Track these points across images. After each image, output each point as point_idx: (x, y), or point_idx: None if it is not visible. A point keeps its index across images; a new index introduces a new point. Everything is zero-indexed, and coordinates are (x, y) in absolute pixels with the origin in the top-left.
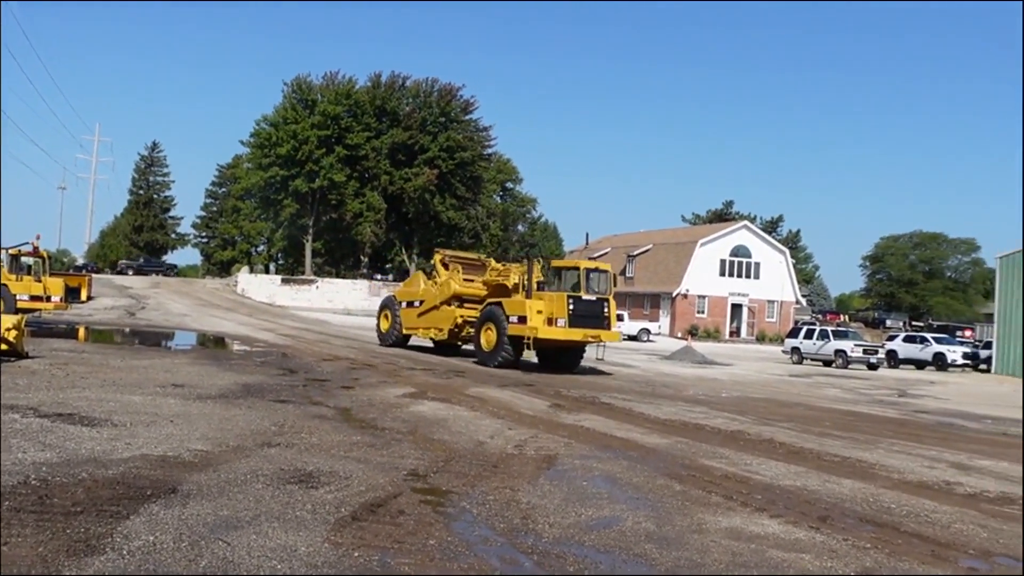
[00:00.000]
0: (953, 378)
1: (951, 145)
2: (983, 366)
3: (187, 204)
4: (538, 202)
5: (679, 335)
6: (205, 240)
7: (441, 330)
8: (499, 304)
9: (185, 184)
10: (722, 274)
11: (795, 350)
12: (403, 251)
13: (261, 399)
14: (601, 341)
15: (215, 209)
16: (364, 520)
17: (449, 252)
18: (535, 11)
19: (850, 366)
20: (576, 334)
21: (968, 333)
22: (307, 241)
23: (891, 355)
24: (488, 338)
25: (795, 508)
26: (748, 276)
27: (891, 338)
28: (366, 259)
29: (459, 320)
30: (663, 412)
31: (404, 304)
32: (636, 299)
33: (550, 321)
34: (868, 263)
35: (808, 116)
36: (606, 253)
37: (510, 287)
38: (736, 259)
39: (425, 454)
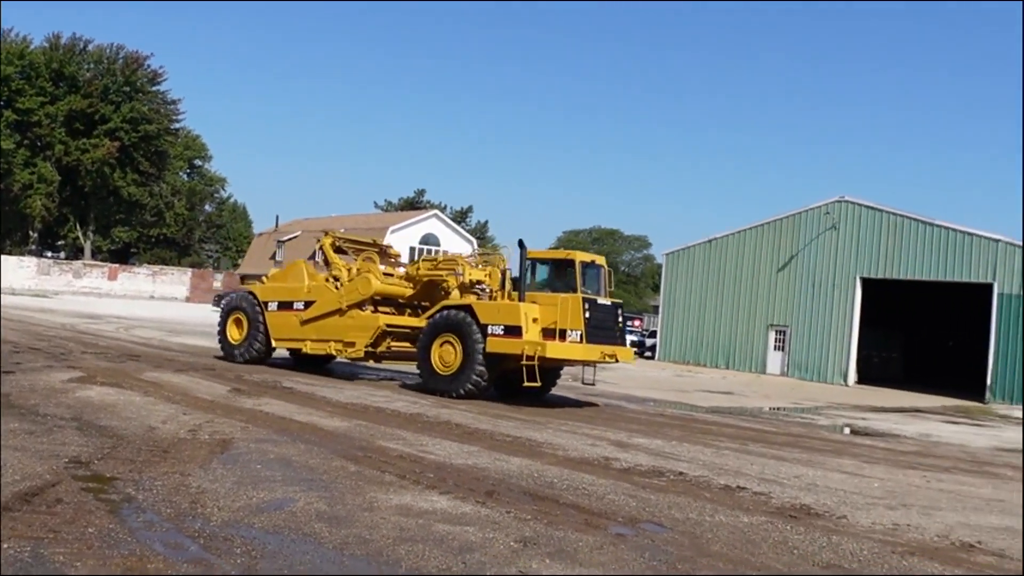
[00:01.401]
0: (620, 364)
1: (627, 147)
2: (648, 353)
3: None
4: (228, 182)
5: None
6: None
7: (352, 344)
8: (465, 309)
9: None
10: (412, 261)
11: None
12: (78, 228)
13: None
14: (617, 361)
15: None
16: (17, 510)
17: (339, 234)
18: None
19: None
20: (594, 352)
21: (637, 323)
22: None
23: None
24: (444, 357)
25: (464, 485)
26: None
27: None
28: (35, 235)
29: (382, 329)
30: (345, 396)
31: (273, 306)
32: None
33: (551, 334)
34: None
35: (498, 110)
36: (296, 236)
37: (450, 287)
38: (426, 247)
39: (90, 441)
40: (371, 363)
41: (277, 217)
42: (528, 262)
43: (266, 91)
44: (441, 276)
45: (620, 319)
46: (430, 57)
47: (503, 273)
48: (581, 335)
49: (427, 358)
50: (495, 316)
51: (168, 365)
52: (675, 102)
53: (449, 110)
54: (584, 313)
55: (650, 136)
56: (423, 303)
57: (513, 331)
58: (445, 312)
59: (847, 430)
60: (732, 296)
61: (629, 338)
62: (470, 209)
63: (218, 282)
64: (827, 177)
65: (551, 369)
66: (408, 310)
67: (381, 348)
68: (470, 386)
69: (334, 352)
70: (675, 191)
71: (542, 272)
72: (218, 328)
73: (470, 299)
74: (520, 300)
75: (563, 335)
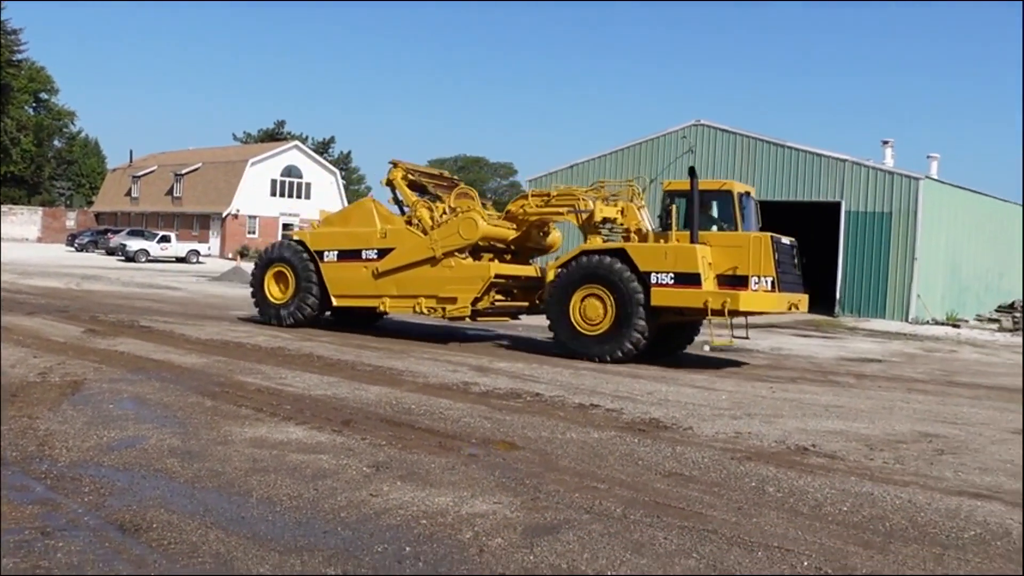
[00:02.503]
0: None
1: (489, 74)
2: None
3: None
4: (77, 116)
5: (230, 256)
6: None
7: (452, 300)
8: (616, 253)
9: None
10: (273, 194)
11: None
12: None
13: None
14: (798, 310)
15: None
16: None
17: (411, 165)
18: None
19: None
20: (783, 302)
21: None
22: None
23: None
24: (589, 313)
25: (321, 415)
26: (299, 196)
27: None
28: None
29: (491, 280)
30: (205, 333)
31: (331, 255)
32: (185, 219)
33: (728, 281)
34: None
35: (357, 39)
36: (152, 171)
37: (549, 229)
38: (288, 179)
39: None
40: (467, 321)
41: (131, 152)
42: (666, 195)
43: (115, 20)
44: (559, 213)
45: (799, 261)
46: None
47: (642, 210)
48: (774, 282)
49: (564, 315)
50: (660, 262)
51: (19, 308)
52: (536, 29)
53: (306, 39)
54: (774, 255)
55: (511, 62)
56: (519, 247)
57: (688, 279)
58: (587, 258)
59: (707, 347)
60: None
61: None
62: (332, 140)
63: (71, 221)
64: (684, 101)
65: (690, 324)
66: (506, 255)
67: (484, 303)
68: (629, 346)
69: (425, 311)
70: (538, 118)
71: (683, 206)
72: (251, 286)
73: (619, 242)
74: (693, 241)
75: (744, 282)
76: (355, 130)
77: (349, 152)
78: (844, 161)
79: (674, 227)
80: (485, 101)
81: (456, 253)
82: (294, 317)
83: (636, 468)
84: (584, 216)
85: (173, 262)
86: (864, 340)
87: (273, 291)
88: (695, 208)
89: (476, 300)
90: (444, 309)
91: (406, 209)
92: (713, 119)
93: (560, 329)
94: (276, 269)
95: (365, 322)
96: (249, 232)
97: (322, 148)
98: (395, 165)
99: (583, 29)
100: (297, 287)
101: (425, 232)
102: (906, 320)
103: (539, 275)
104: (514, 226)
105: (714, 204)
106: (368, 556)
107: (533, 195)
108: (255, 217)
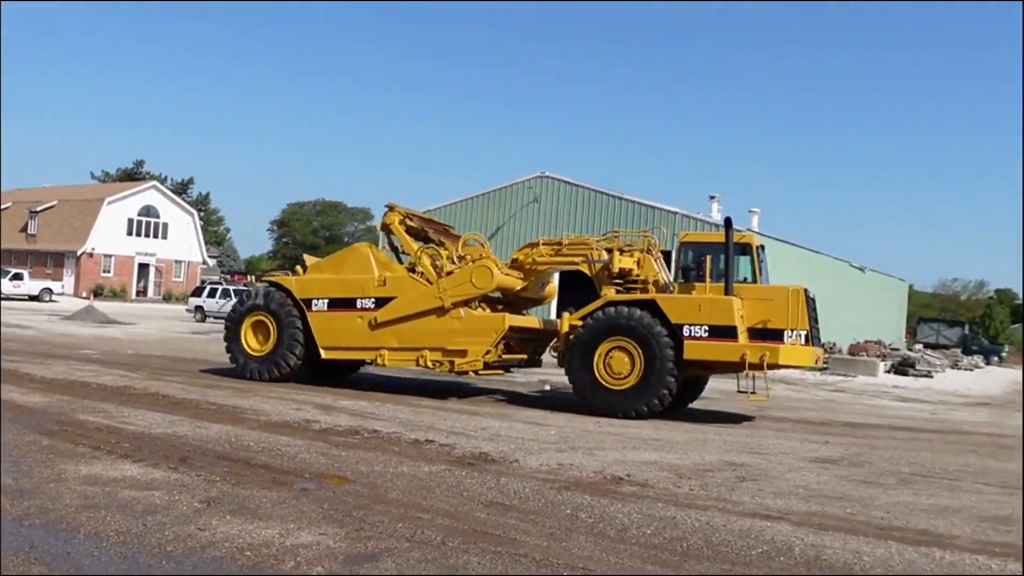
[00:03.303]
0: None
1: (345, 118)
2: None
3: None
4: None
5: (83, 295)
6: None
7: (461, 353)
8: (647, 305)
9: None
10: (129, 233)
11: (198, 308)
12: None
13: None
14: (821, 364)
15: None
16: None
17: (405, 208)
18: None
19: None
20: (815, 355)
21: None
22: None
23: None
24: (614, 366)
25: (159, 452)
26: (156, 236)
27: None
28: None
29: (504, 332)
30: (51, 372)
31: (320, 304)
32: (39, 257)
33: (760, 335)
34: (276, 227)
35: (221, 81)
36: (7, 208)
37: (541, 281)
38: (145, 219)
39: None
40: (473, 375)
41: None
42: (683, 247)
43: None
44: (572, 263)
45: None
46: (147, 26)
47: (658, 261)
48: (808, 336)
49: (588, 368)
50: (694, 314)
51: None
52: (396, 76)
53: (167, 77)
54: (809, 308)
55: (367, 107)
56: (514, 297)
57: (724, 332)
58: (614, 309)
59: (547, 387)
60: None
61: None
62: (191, 180)
63: None
64: (532, 154)
65: (702, 379)
66: (498, 305)
67: (491, 356)
68: (656, 401)
69: (430, 364)
70: (396, 163)
71: (699, 259)
72: (226, 334)
73: (649, 293)
74: (727, 293)
75: (778, 335)
76: (215, 172)
77: (208, 193)
78: (675, 213)
79: (708, 279)
80: (342, 147)
81: (464, 303)
82: (276, 372)
83: (460, 499)
84: (598, 266)
85: (25, 300)
86: None
87: (251, 342)
88: (730, 259)
89: (486, 353)
90: (452, 363)
91: (403, 255)
92: (558, 171)
93: (581, 383)
94: (255, 318)
95: (339, 376)
96: (104, 271)
97: (181, 189)
98: (391, 209)
99: (436, 81)
100: (280, 338)
101: (431, 281)
102: None
103: (543, 327)
104: (521, 275)
105: (751, 259)
106: None
107: (544, 243)
108: (111, 256)
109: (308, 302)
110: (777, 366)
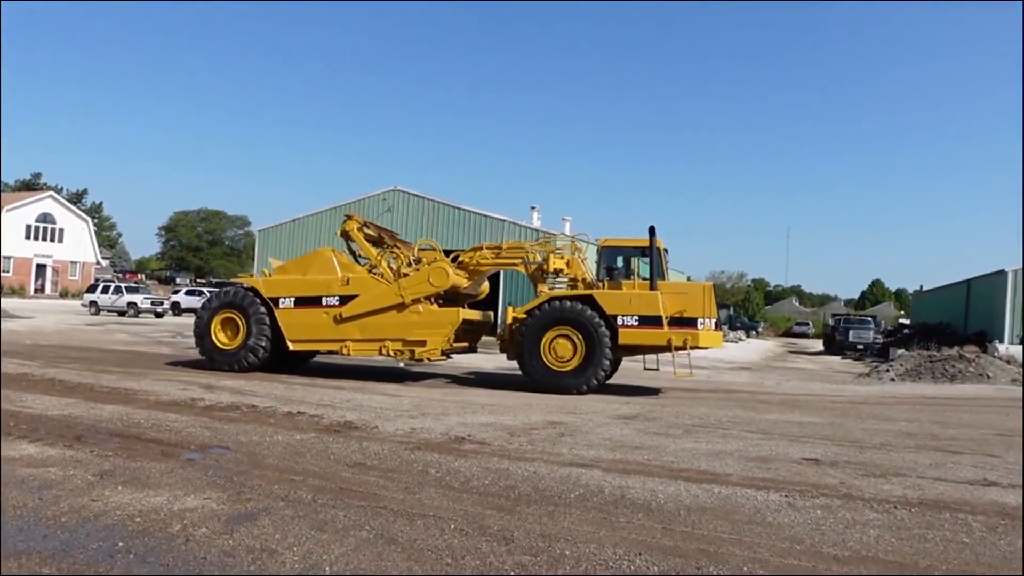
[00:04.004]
0: None
1: (228, 132)
2: None
3: None
4: None
5: None
6: None
7: (421, 343)
8: (584, 300)
9: None
10: (28, 238)
11: (93, 303)
12: None
13: None
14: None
15: None
16: None
17: (361, 218)
18: None
19: (140, 315)
20: (721, 339)
21: None
22: None
23: (175, 305)
24: (559, 351)
25: (55, 432)
26: (53, 240)
27: (176, 292)
28: None
29: (458, 324)
30: None
31: (287, 302)
32: None
33: (679, 323)
34: (164, 232)
35: (113, 97)
36: None
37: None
38: (42, 225)
39: None
40: (427, 360)
41: None
42: (606, 250)
43: None
44: (512, 264)
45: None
46: (38, 36)
47: (585, 263)
48: (717, 322)
49: (536, 354)
50: (626, 307)
51: None
52: (269, 95)
53: (60, 95)
54: (715, 299)
55: (246, 127)
56: (454, 293)
57: (651, 321)
58: (558, 303)
59: (402, 363)
60: None
61: None
62: (85, 191)
63: None
64: (386, 167)
65: (618, 359)
66: (438, 300)
67: (445, 345)
68: (595, 381)
69: (392, 353)
70: (268, 176)
71: (617, 259)
72: (196, 330)
73: (584, 290)
74: (652, 288)
75: (693, 323)
76: (109, 183)
77: (101, 202)
78: (503, 221)
79: (636, 277)
80: (223, 162)
81: (423, 300)
82: (245, 361)
83: (328, 462)
84: (533, 267)
85: None
86: None
87: (220, 337)
88: (653, 260)
89: (444, 341)
90: (413, 351)
91: (360, 259)
92: (408, 185)
93: (533, 366)
94: (225, 315)
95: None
96: (4, 271)
97: (76, 198)
98: (349, 218)
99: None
100: (248, 333)
101: (390, 280)
102: None
103: (486, 320)
104: (466, 275)
105: (661, 260)
106: (83, 553)
107: (487, 248)
108: (10, 258)
109: (275, 300)
110: (697, 347)
